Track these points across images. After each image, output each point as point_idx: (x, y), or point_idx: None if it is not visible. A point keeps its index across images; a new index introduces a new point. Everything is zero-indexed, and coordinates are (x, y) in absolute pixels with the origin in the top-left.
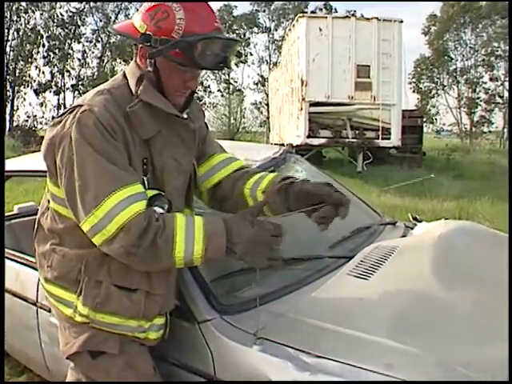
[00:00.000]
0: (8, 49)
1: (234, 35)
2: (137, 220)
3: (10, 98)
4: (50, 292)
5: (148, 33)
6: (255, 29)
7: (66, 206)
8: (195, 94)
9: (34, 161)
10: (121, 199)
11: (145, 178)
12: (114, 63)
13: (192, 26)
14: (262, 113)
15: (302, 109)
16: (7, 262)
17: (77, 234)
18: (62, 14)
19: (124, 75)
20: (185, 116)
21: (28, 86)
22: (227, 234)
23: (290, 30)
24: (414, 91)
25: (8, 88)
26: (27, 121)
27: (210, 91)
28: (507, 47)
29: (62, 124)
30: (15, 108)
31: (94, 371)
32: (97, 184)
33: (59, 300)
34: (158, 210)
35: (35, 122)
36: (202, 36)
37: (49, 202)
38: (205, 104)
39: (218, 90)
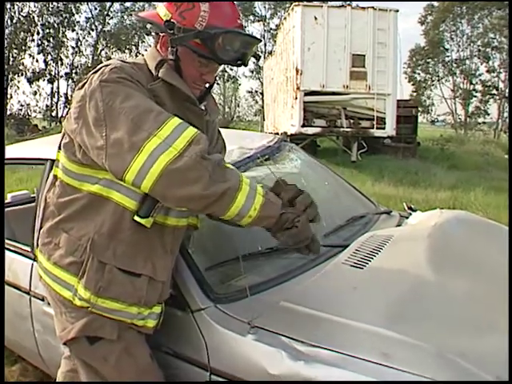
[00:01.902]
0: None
1: None
2: (201, 136)
3: (4, 86)
4: (49, 272)
5: (172, 20)
6: (251, 17)
7: (80, 179)
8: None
9: (28, 149)
10: (180, 121)
11: None
12: (108, 51)
13: (215, 19)
14: (256, 102)
15: (296, 98)
16: None
17: (87, 209)
18: (56, 1)
19: (143, 58)
20: (202, 107)
21: (22, 74)
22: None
23: (285, 18)
24: (408, 81)
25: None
26: (21, 109)
27: None
28: (503, 39)
29: (88, 82)
30: (9, 96)
31: (91, 357)
32: (150, 112)
33: (58, 281)
34: None
35: (29, 111)
36: (224, 30)
37: (55, 176)
38: None
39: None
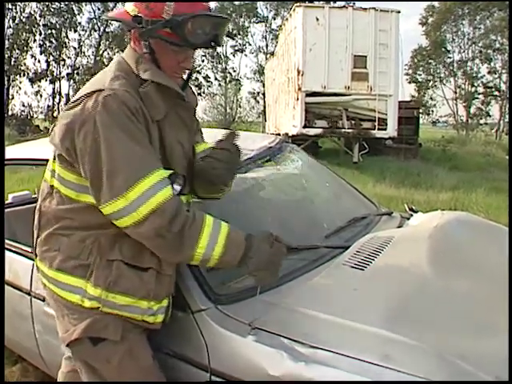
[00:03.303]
0: (4, 38)
1: (232, 25)
2: (170, 204)
3: (5, 86)
4: (53, 279)
5: (139, 15)
6: (254, 18)
7: (77, 190)
8: (190, 78)
9: (29, 149)
10: (153, 183)
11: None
12: (110, 52)
13: (181, 6)
14: (258, 102)
15: (298, 99)
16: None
17: (87, 216)
18: (58, 2)
19: (125, 60)
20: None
21: (23, 74)
22: (246, 248)
23: (286, 19)
24: (409, 82)
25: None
26: (23, 110)
27: (210, 81)
28: (505, 40)
29: (80, 108)
30: (10, 97)
31: (93, 358)
32: (127, 167)
33: (64, 287)
34: (177, 187)
35: (30, 111)
36: (190, 14)
37: (52, 187)
38: (203, 93)
39: (216, 79)
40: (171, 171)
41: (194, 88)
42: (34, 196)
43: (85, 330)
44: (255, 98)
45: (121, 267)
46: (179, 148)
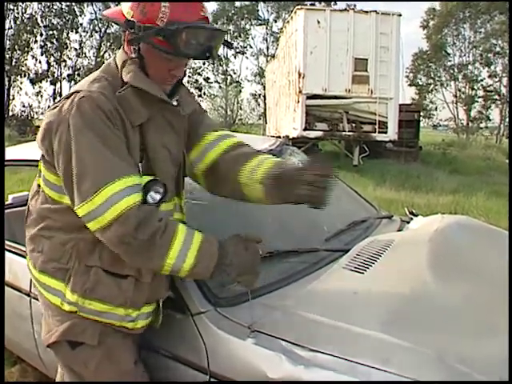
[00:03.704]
0: (5, 38)
1: (233, 27)
2: (134, 211)
3: (6, 87)
4: (38, 280)
5: (132, 19)
6: (255, 21)
7: (59, 192)
8: (184, 81)
9: (30, 150)
10: (119, 189)
11: (140, 165)
12: (111, 53)
13: (177, 14)
14: (259, 104)
15: (298, 101)
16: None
17: (69, 217)
18: (60, 3)
19: (114, 61)
20: (174, 103)
21: (24, 75)
22: (221, 257)
23: (287, 22)
24: (410, 85)
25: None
26: (23, 111)
27: (210, 82)
28: (505, 44)
29: (58, 109)
30: (11, 97)
31: (72, 361)
32: (96, 171)
33: (47, 289)
34: (155, 195)
35: (31, 112)
36: (185, 25)
37: (39, 186)
38: (204, 94)
39: (216, 81)
40: (149, 178)
41: (193, 90)
42: None
43: (63, 333)
44: (256, 100)
45: (99, 273)
46: (165, 153)
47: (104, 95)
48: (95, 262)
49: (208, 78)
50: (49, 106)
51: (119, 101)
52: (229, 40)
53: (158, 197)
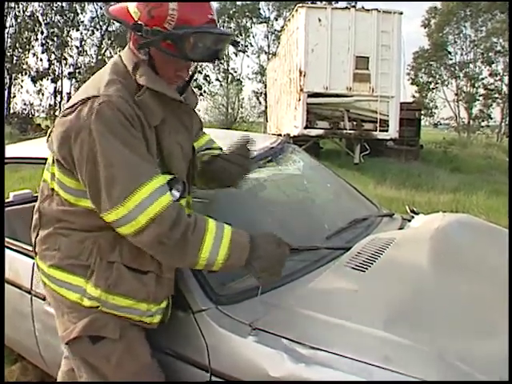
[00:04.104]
0: (6, 36)
1: (234, 25)
2: (168, 211)
3: (7, 85)
4: (53, 277)
5: (140, 22)
6: (256, 19)
7: (75, 195)
8: (192, 80)
9: (31, 148)
10: (151, 191)
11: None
12: (112, 51)
13: (185, 17)
14: (260, 102)
15: (299, 99)
16: None
17: (87, 219)
18: (61, 1)
19: (122, 62)
20: (183, 99)
21: (25, 73)
22: (251, 249)
23: (289, 20)
24: (411, 83)
25: (5, 75)
26: (24, 109)
27: (210, 81)
28: (506, 43)
29: (75, 115)
30: (12, 95)
31: (93, 357)
32: (125, 176)
33: (63, 285)
34: (175, 193)
35: (32, 110)
36: (193, 29)
37: (52, 190)
38: (204, 92)
39: (217, 80)
40: (170, 176)
41: (195, 88)
42: (34, 195)
43: (84, 328)
44: (258, 98)
45: (121, 269)
46: (178, 150)
47: (123, 98)
48: (116, 258)
49: (208, 76)
50: (50, 105)
51: (137, 103)
52: (235, 39)
53: (177, 194)
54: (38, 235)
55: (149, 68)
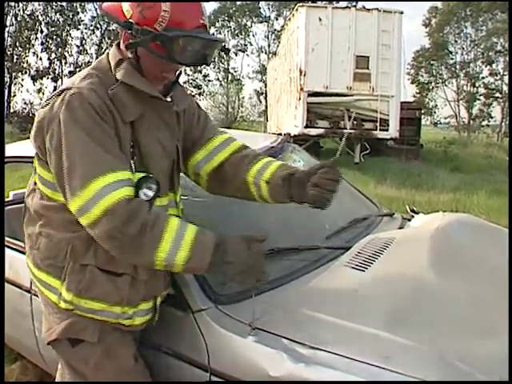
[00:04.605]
0: (6, 35)
1: (234, 25)
2: (122, 205)
3: (8, 84)
4: (37, 277)
5: (131, 20)
6: (256, 18)
7: (53, 188)
8: (180, 79)
9: (30, 147)
10: (107, 183)
11: (132, 162)
12: None
13: (176, 19)
14: (260, 102)
15: (300, 99)
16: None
17: (63, 215)
18: (60, 0)
19: (107, 58)
20: (168, 99)
21: (25, 72)
22: (219, 253)
23: (289, 19)
24: (412, 83)
25: (5, 74)
26: (25, 108)
27: (209, 80)
28: (506, 42)
29: (49, 107)
30: (12, 94)
31: (73, 359)
32: (84, 166)
33: (45, 286)
34: (147, 192)
35: (32, 109)
36: (183, 33)
37: (35, 183)
38: (204, 92)
39: (217, 79)
40: (141, 174)
41: (193, 88)
42: None
43: (64, 330)
44: (258, 97)
45: (94, 272)
46: (158, 147)
47: (94, 91)
48: (90, 261)
49: (207, 75)
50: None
51: (110, 97)
52: (226, 46)
53: (150, 193)
54: (25, 232)
55: (130, 65)
